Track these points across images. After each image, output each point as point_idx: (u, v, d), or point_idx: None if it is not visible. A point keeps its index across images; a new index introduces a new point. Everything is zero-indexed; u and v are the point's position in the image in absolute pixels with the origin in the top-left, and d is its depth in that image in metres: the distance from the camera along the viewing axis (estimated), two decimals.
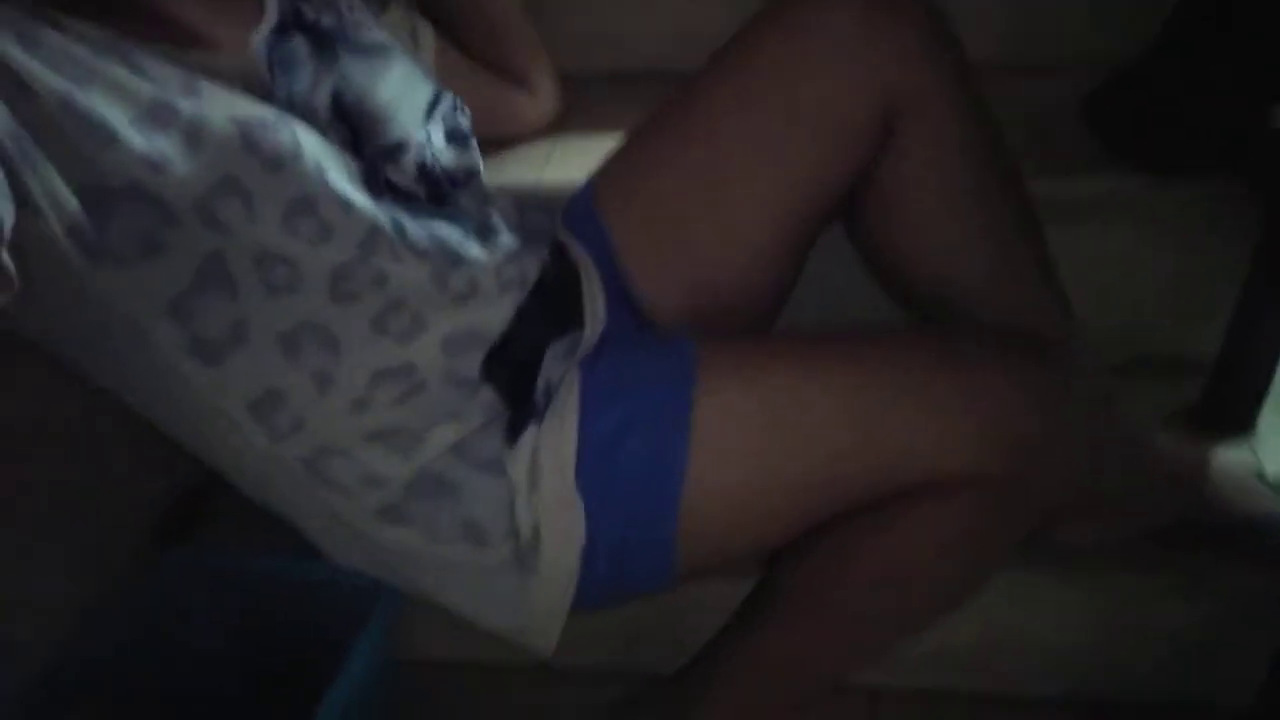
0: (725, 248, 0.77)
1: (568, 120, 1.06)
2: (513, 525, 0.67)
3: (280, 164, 0.59)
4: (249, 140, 0.58)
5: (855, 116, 0.72)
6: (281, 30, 0.67)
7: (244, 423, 0.62)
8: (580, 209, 0.82)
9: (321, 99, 0.66)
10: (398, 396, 0.65)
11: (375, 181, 0.66)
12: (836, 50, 0.70)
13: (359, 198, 0.63)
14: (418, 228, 0.66)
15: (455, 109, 0.75)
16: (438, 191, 0.70)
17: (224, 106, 0.58)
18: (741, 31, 0.75)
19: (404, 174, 0.68)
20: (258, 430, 0.63)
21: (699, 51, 0.78)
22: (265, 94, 0.63)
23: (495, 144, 0.99)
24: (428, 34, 0.90)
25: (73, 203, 0.52)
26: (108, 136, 0.53)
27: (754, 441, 0.66)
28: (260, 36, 0.65)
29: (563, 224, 0.82)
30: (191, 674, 0.83)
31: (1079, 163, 0.91)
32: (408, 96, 0.72)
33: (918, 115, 0.71)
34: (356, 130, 0.67)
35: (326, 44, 0.69)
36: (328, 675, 0.71)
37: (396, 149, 0.67)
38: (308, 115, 0.64)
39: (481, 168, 0.76)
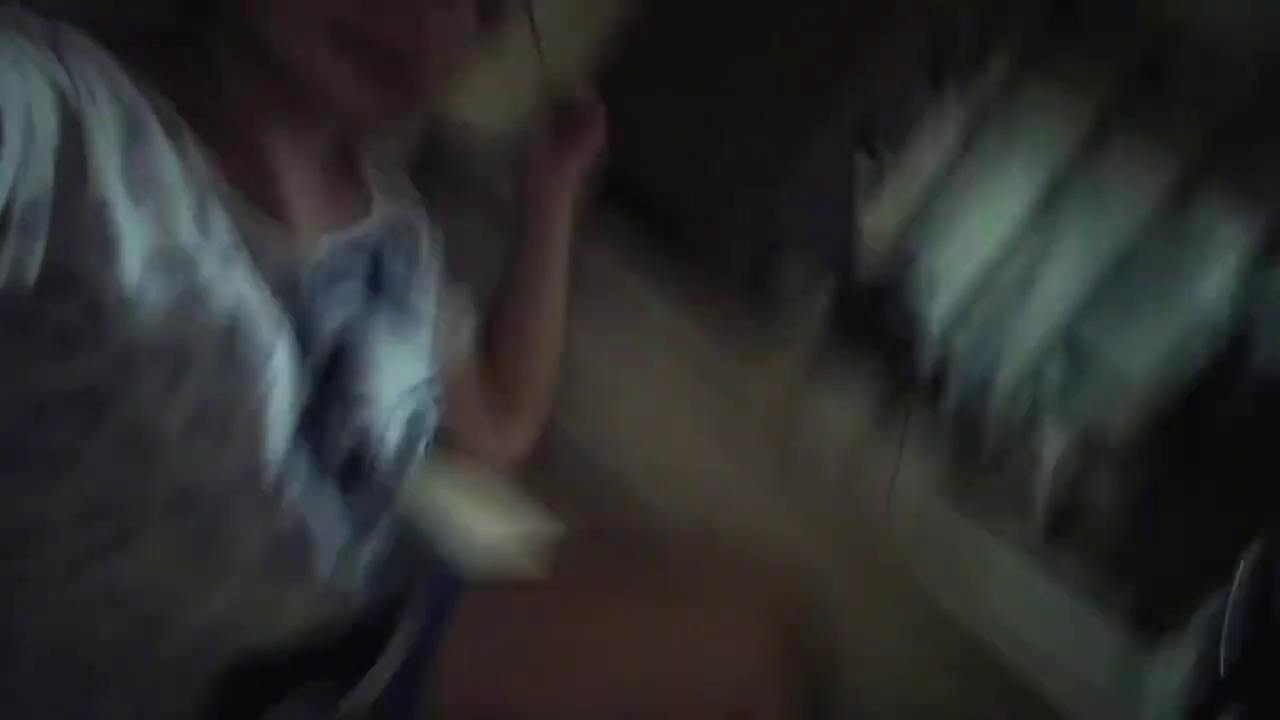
0: None
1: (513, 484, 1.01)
2: None
3: (238, 365, 0.53)
4: (231, 330, 0.52)
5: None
6: (358, 251, 0.66)
7: None
8: (444, 586, 0.78)
9: (335, 326, 0.62)
10: (119, 638, 0.54)
11: (313, 423, 0.59)
12: (722, 664, 0.76)
13: (278, 434, 0.56)
14: (301, 494, 0.58)
15: (433, 408, 0.70)
16: (354, 467, 0.63)
17: (239, 287, 0.54)
18: (671, 578, 0.85)
19: (345, 431, 0.62)
20: None
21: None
22: (293, 291, 0.59)
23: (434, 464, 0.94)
24: (467, 329, 0.87)
25: (27, 286, 0.46)
26: (112, 252, 0.48)
27: None
28: (338, 247, 0.64)
29: (420, 590, 0.76)
30: None
31: None
32: (405, 370, 0.68)
33: None
34: (338, 367, 0.62)
35: (380, 286, 0.68)
36: None
37: (357, 407, 0.62)
38: (309, 328, 0.60)
39: (408, 481, 0.70)
